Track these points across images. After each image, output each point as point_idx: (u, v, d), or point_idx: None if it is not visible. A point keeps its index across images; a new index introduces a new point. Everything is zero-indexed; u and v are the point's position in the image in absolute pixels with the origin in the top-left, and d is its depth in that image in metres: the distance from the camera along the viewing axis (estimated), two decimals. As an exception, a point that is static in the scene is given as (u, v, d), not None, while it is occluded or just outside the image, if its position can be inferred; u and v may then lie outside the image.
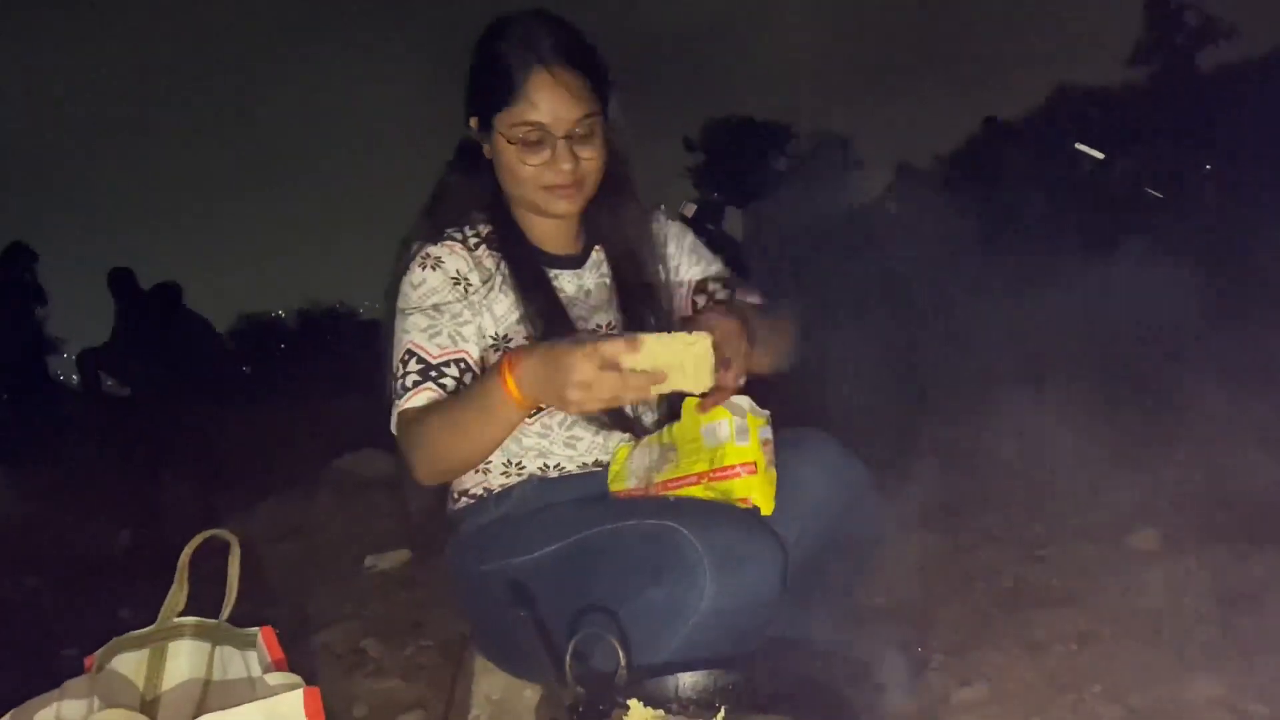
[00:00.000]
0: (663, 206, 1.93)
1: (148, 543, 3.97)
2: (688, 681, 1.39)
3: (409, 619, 2.68)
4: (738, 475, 1.54)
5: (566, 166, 1.65)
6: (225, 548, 1.46)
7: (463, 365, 1.65)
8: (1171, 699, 1.76)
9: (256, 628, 1.46)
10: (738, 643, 1.48)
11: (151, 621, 1.42)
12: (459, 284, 1.69)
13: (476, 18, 1.76)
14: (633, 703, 1.30)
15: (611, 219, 1.82)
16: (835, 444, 1.71)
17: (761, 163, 23.92)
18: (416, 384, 1.62)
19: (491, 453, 1.67)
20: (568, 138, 1.63)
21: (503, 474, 1.76)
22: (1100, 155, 11.53)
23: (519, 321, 1.73)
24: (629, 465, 1.72)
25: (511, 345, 1.70)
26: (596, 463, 1.77)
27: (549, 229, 1.80)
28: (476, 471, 1.77)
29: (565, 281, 1.80)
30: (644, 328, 1.76)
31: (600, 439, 1.77)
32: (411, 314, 1.67)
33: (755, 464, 1.54)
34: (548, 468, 1.76)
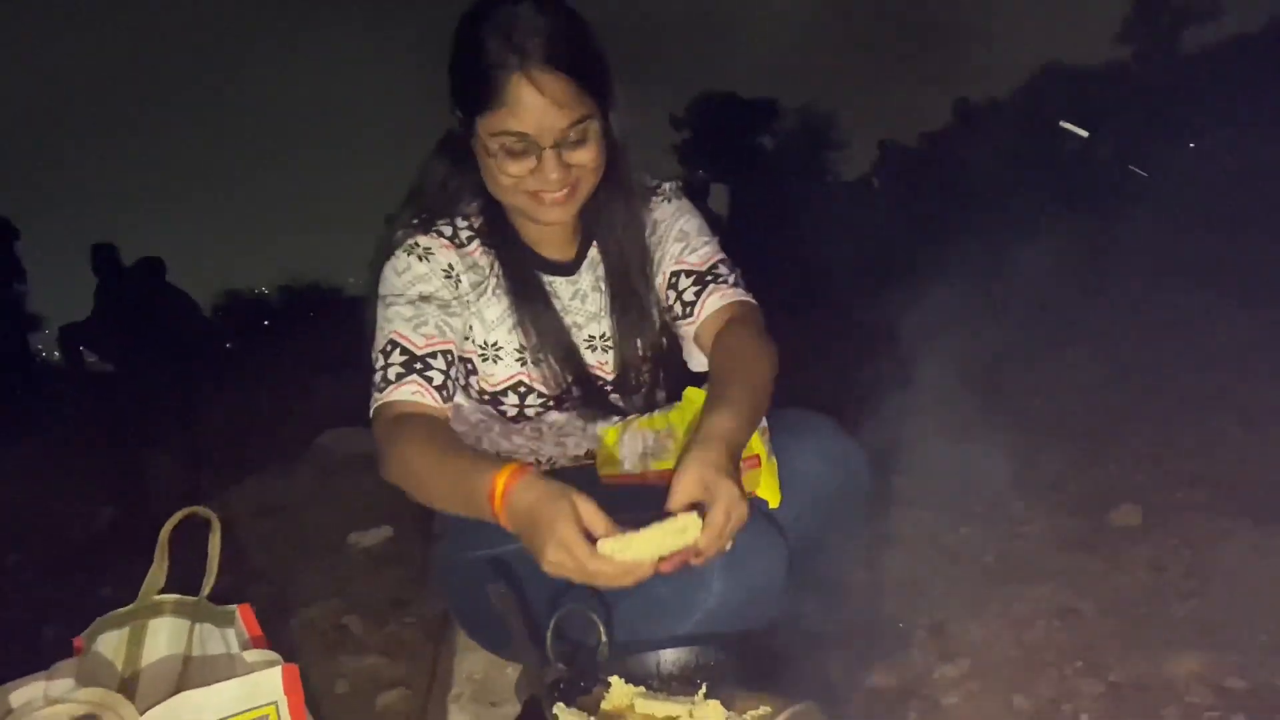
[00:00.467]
0: (667, 186, 1.77)
1: (129, 520, 3.96)
2: (669, 658, 1.40)
3: (391, 596, 2.68)
4: (744, 470, 1.48)
5: (554, 177, 1.49)
6: (208, 525, 1.45)
7: (450, 357, 1.55)
8: (1152, 674, 1.77)
9: (235, 605, 1.46)
10: (740, 632, 1.46)
11: (133, 599, 1.41)
12: (450, 277, 1.61)
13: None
14: (614, 679, 1.30)
15: (609, 218, 1.69)
16: (830, 423, 1.67)
17: (748, 140, 23.86)
18: (400, 376, 1.51)
19: None
20: (556, 146, 1.48)
21: None
22: (1084, 133, 11.54)
23: (510, 330, 1.66)
24: (620, 449, 1.66)
25: (503, 379, 1.64)
26: (589, 454, 1.75)
27: (543, 229, 1.68)
28: None
29: (560, 288, 1.71)
30: (632, 344, 1.71)
31: (592, 430, 1.74)
32: (395, 303, 1.56)
33: (759, 456, 1.51)
34: (539, 462, 1.74)
